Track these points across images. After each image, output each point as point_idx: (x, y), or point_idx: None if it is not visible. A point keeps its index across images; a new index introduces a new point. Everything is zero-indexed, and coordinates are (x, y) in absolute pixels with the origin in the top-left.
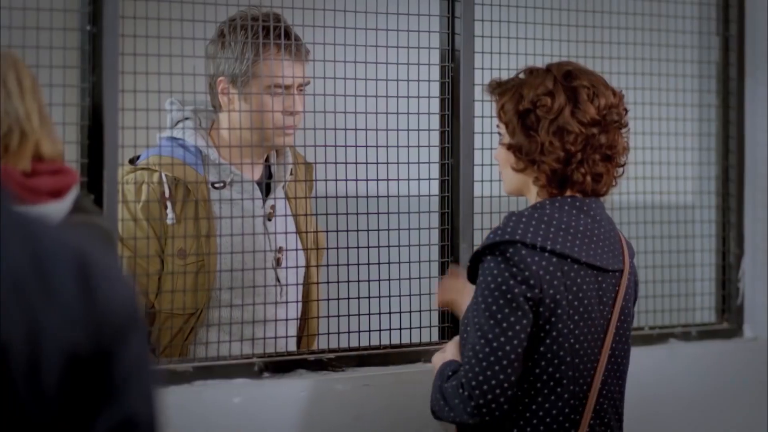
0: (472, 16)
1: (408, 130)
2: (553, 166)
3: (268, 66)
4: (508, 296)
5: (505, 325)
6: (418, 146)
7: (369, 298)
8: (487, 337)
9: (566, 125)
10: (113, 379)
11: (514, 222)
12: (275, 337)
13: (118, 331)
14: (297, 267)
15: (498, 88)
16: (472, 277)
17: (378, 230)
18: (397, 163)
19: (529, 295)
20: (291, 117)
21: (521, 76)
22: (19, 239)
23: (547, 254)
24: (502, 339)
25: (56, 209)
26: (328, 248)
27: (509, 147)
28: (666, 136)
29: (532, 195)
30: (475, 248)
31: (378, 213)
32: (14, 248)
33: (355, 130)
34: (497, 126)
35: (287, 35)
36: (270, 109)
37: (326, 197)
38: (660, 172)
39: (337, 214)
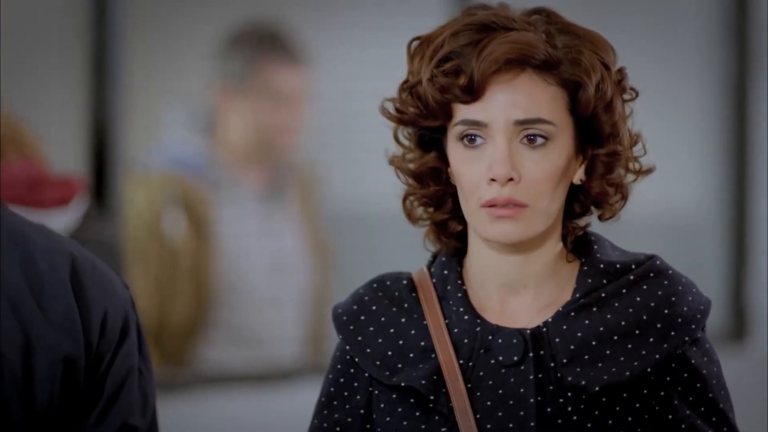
0: None
1: None
2: None
3: (269, 76)
4: None
5: None
6: None
7: None
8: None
9: None
10: (107, 387)
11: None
12: (277, 348)
13: (111, 340)
14: (300, 278)
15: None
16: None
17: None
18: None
19: None
20: (294, 126)
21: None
22: (14, 250)
23: None
24: None
25: (61, 218)
26: (334, 259)
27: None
28: (670, 139)
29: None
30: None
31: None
32: (10, 260)
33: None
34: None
35: (290, 45)
36: (272, 118)
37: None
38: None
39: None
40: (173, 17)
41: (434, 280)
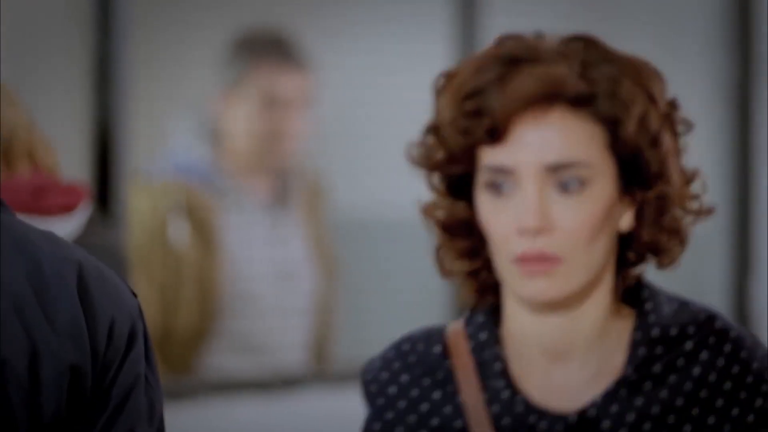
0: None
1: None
2: None
3: (271, 82)
4: None
5: None
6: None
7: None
8: None
9: None
10: (114, 395)
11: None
12: (282, 356)
13: (118, 348)
14: (305, 285)
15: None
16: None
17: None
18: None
19: None
20: (297, 132)
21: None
22: (20, 257)
23: None
24: None
25: (65, 225)
26: (339, 267)
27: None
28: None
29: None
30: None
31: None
32: (15, 266)
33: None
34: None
35: (292, 51)
36: (274, 125)
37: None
38: None
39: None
40: (177, 24)
41: (471, 345)
